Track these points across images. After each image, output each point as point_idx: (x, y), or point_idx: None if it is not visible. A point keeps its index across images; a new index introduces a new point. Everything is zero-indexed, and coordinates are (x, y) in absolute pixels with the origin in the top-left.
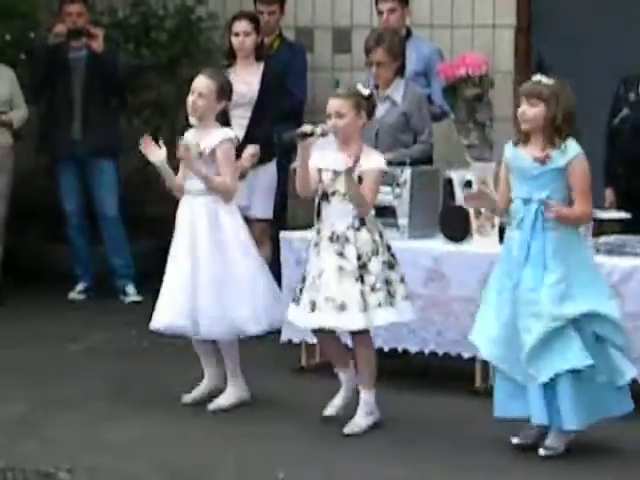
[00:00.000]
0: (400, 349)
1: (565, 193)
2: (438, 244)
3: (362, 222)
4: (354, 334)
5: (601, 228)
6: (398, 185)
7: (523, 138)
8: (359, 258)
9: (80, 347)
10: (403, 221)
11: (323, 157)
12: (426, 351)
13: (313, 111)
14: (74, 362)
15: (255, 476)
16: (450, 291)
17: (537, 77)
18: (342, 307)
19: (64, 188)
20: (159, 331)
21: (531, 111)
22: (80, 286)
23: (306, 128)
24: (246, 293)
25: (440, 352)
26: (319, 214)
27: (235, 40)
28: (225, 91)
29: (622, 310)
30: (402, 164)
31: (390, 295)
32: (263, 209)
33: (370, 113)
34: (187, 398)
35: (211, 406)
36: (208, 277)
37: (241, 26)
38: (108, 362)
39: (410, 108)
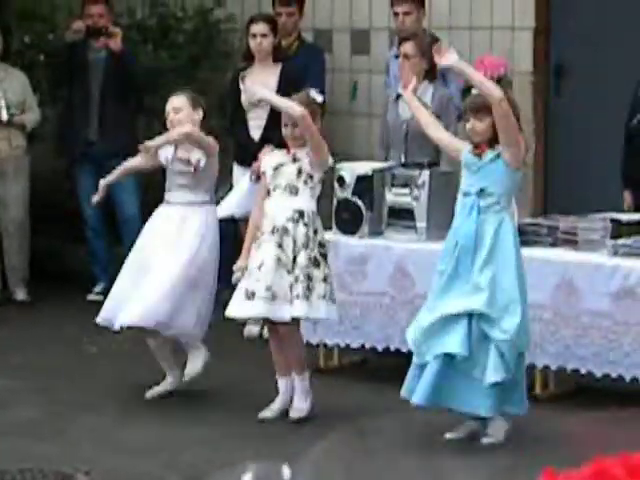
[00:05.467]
0: None
1: (502, 186)
2: None
3: (301, 215)
4: (284, 322)
5: (619, 230)
6: (416, 187)
7: (476, 150)
8: (293, 250)
9: (97, 349)
10: (421, 223)
11: (264, 162)
12: None
13: (331, 113)
14: (92, 363)
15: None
16: None
17: (476, 91)
18: (273, 297)
19: (82, 190)
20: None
21: (480, 125)
22: (98, 287)
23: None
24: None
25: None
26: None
27: (252, 42)
28: (197, 101)
29: (639, 312)
30: (420, 166)
31: (309, 290)
32: None
33: (321, 118)
34: (149, 394)
35: (185, 378)
36: (202, 282)
37: (258, 28)
38: (125, 364)
39: (439, 109)
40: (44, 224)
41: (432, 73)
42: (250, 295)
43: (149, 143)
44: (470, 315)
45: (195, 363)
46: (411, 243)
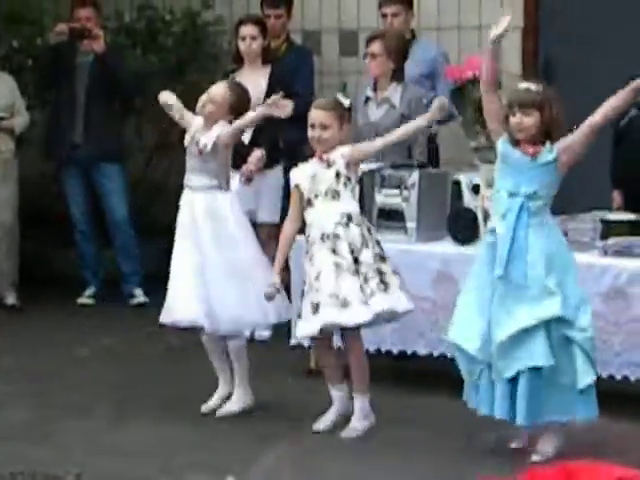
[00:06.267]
0: (409, 352)
1: (552, 189)
2: (446, 247)
3: (349, 218)
4: (347, 337)
5: (609, 230)
6: (406, 188)
7: (514, 143)
8: (352, 252)
9: (88, 352)
10: (411, 224)
11: (294, 175)
12: (435, 354)
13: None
14: (82, 367)
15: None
16: (458, 293)
17: (524, 84)
18: (344, 303)
19: (69, 193)
20: (171, 324)
21: (527, 120)
22: (89, 291)
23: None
24: (251, 287)
25: (449, 355)
26: (304, 222)
27: (241, 44)
28: (239, 108)
29: (629, 312)
30: (410, 167)
31: (383, 283)
32: (270, 212)
33: (348, 123)
34: (205, 408)
35: (220, 412)
36: (217, 272)
37: (247, 30)
38: (116, 367)
39: (408, 110)
40: (33, 228)
41: (400, 73)
42: (315, 307)
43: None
44: (549, 322)
45: (235, 403)
46: (401, 244)
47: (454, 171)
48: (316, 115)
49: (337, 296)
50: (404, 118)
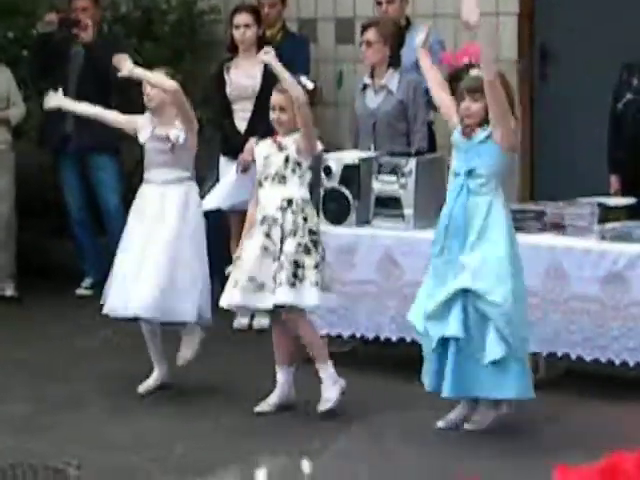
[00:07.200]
0: (408, 339)
1: (492, 167)
2: None
3: (289, 203)
4: (287, 316)
5: (607, 215)
6: (403, 175)
7: (467, 130)
8: (281, 239)
9: (86, 343)
10: (409, 211)
11: (256, 152)
12: None
13: (316, 102)
14: (81, 358)
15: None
16: None
17: (475, 72)
18: (260, 287)
19: (64, 183)
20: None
21: (475, 106)
22: (86, 282)
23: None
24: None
25: None
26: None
27: (236, 33)
28: (174, 78)
29: (628, 296)
30: (406, 154)
31: (296, 277)
32: None
33: (312, 105)
34: (142, 388)
35: (179, 361)
36: (162, 262)
37: (241, 18)
38: (114, 358)
39: (406, 96)
40: (30, 219)
41: (396, 60)
42: (235, 284)
43: (129, 65)
44: (465, 296)
45: (189, 345)
46: (399, 231)
47: (451, 157)
48: (274, 98)
49: (255, 279)
50: (402, 104)
